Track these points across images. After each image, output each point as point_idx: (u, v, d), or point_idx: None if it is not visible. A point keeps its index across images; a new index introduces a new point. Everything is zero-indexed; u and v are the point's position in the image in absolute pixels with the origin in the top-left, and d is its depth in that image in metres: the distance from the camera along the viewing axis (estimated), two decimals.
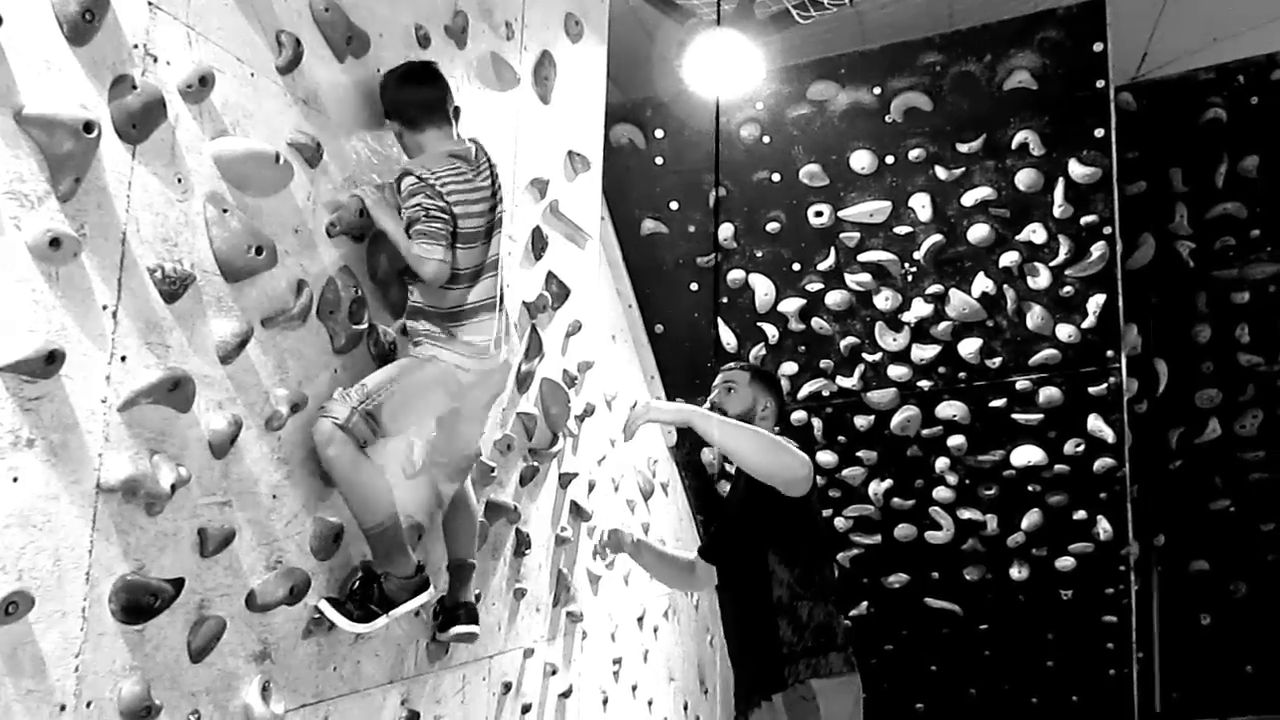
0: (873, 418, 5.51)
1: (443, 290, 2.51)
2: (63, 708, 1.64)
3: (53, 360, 1.63)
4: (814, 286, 5.31)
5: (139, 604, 1.78)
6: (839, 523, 5.73)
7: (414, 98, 2.58)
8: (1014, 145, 4.93)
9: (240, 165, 2.09)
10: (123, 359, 1.80)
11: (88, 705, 1.69)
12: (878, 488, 5.66)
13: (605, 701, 4.14)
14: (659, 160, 5.23)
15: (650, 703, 4.74)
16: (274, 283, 2.19)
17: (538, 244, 3.43)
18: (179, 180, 1.96)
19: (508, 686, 3.19)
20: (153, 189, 1.89)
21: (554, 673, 3.55)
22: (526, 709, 3.32)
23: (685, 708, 5.29)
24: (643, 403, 2.65)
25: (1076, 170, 4.90)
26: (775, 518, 2.62)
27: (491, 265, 2.61)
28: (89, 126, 1.71)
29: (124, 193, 1.83)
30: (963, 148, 4.97)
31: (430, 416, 2.64)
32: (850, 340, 5.38)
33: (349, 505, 2.34)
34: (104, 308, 1.77)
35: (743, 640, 2.71)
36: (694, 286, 5.42)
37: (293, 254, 2.26)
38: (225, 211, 2.05)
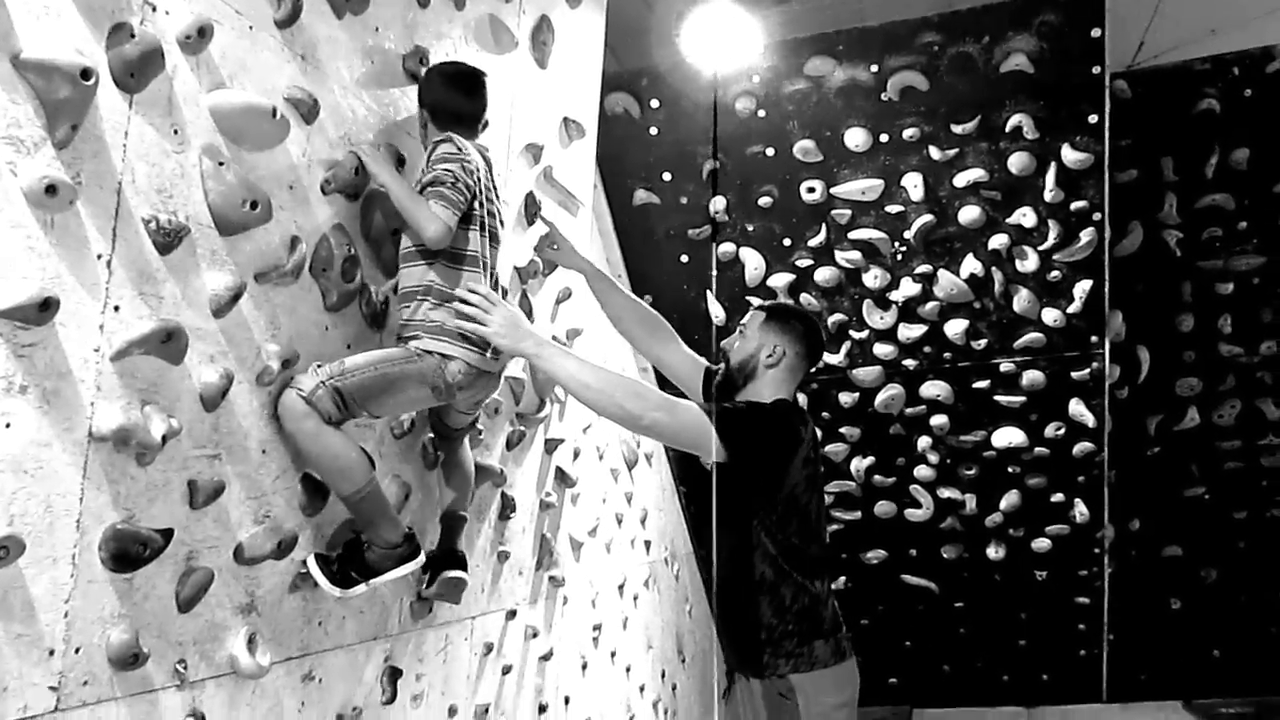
0: (857, 395, 5.55)
1: (453, 270, 2.47)
2: (51, 652, 1.65)
3: (47, 307, 1.63)
4: (804, 262, 5.33)
5: (128, 553, 1.79)
6: None
7: (457, 104, 2.61)
8: (1008, 128, 4.94)
9: (237, 118, 2.08)
10: (116, 309, 1.80)
11: (76, 650, 1.70)
12: (859, 464, 5.72)
13: (584, 666, 4.19)
14: (653, 131, 5.21)
15: (628, 669, 4.79)
16: (268, 238, 2.19)
17: (530, 209, 3.43)
18: (175, 131, 1.95)
19: (489, 647, 3.23)
20: (149, 139, 1.89)
21: (535, 635, 3.59)
22: (507, 670, 3.36)
23: (663, 675, 5.35)
24: (495, 313, 2.37)
25: (1069, 155, 4.92)
26: (759, 484, 2.43)
27: (489, 267, 2.58)
28: (86, 73, 1.70)
29: (120, 142, 1.82)
30: (957, 129, 4.98)
31: (405, 410, 2.59)
32: (838, 317, 5.40)
33: (322, 477, 2.31)
34: (98, 257, 1.77)
35: (726, 614, 2.57)
36: (684, 258, 5.43)
37: (287, 210, 2.26)
38: (221, 164, 2.05)
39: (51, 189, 1.65)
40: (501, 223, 2.70)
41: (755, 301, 5.40)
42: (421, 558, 2.47)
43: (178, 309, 1.93)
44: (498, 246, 2.66)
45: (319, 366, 2.26)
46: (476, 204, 2.52)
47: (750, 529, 2.43)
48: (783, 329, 2.63)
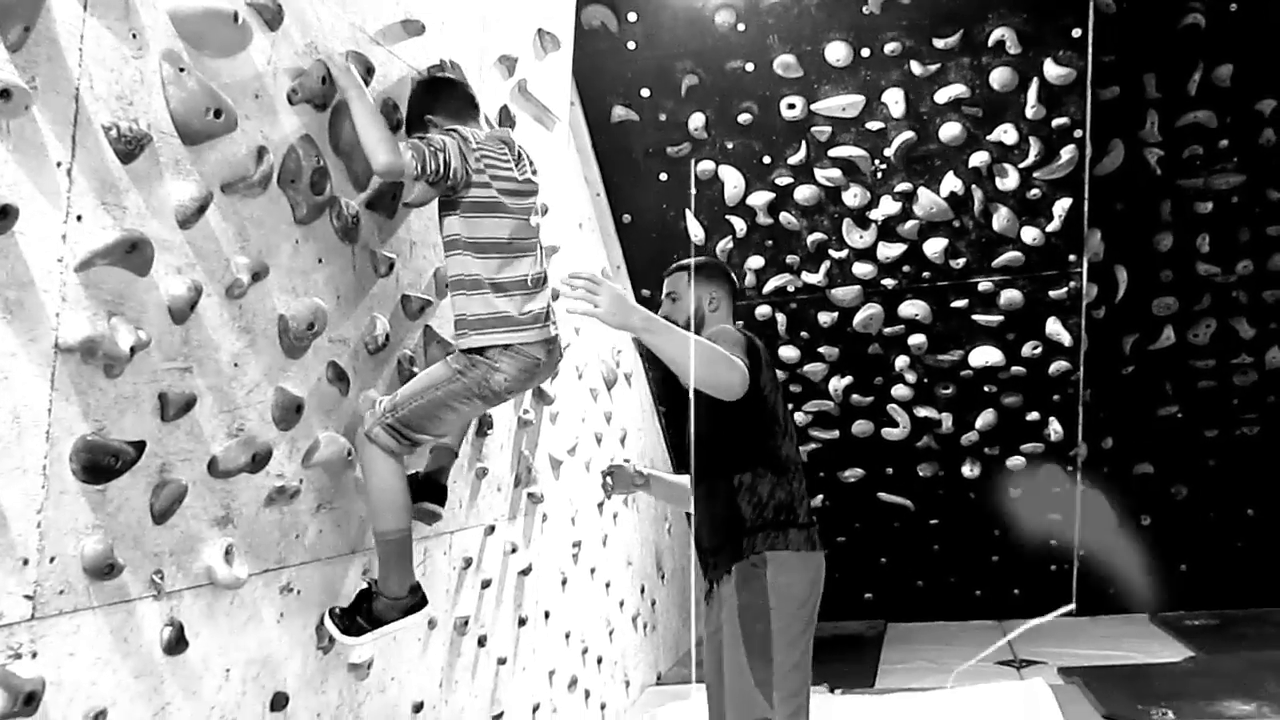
0: (836, 314, 5.57)
1: (483, 260, 2.51)
2: (25, 562, 1.65)
3: (5, 215, 1.59)
4: (783, 180, 5.29)
5: (100, 464, 1.78)
6: (798, 417, 5.83)
7: (453, 100, 2.67)
8: (991, 42, 4.88)
9: (197, 23, 2.02)
10: (79, 218, 1.76)
11: (51, 560, 1.70)
12: (838, 384, 5.75)
13: (564, 582, 4.24)
14: (631, 45, 5.11)
15: (608, 585, 4.87)
16: (233, 148, 2.14)
17: (504, 123, 3.38)
18: (134, 36, 1.89)
19: (468, 561, 3.26)
20: (106, 44, 1.83)
21: (514, 551, 3.62)
22: (486, 584, 3.39)
23: (642, 591, 5.43)
24: (603, 293, 2.39)
25: (1051, 71, 4.88)
26: (745, 396, 2.55)
27: (529, 246, 2.61)
28: None
29: (76, 46, 1.77)
30: (939, 43, 4.91)
31: (465, 422, 2.67)
32: (817, 236, 5.39)
33: (368, 507, 2.50)
34: (58, 165, 1.72)
35: (707, 517, 2.72)
36: (663, 176, 5.37)
37: (253, 119, 2.21)
38: (182, 71, 1.99)
39: (5, 93, 1.59)
40: (533, 195, 2.70)
41: (735, 221, 5.39)
42: (428, 608, 2.59)
43: (142, 219, 1.90)
44: (526, 216, 2.64)
45: (376, 404, 2.46)
46: (493, 187, 2.51)
47: (732, 438, 2.64)
48: (709, 279, 2.84)
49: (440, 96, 2.68)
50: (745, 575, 2.58)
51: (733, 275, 3.02)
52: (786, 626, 2.55)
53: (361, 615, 2.46)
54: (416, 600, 2.53)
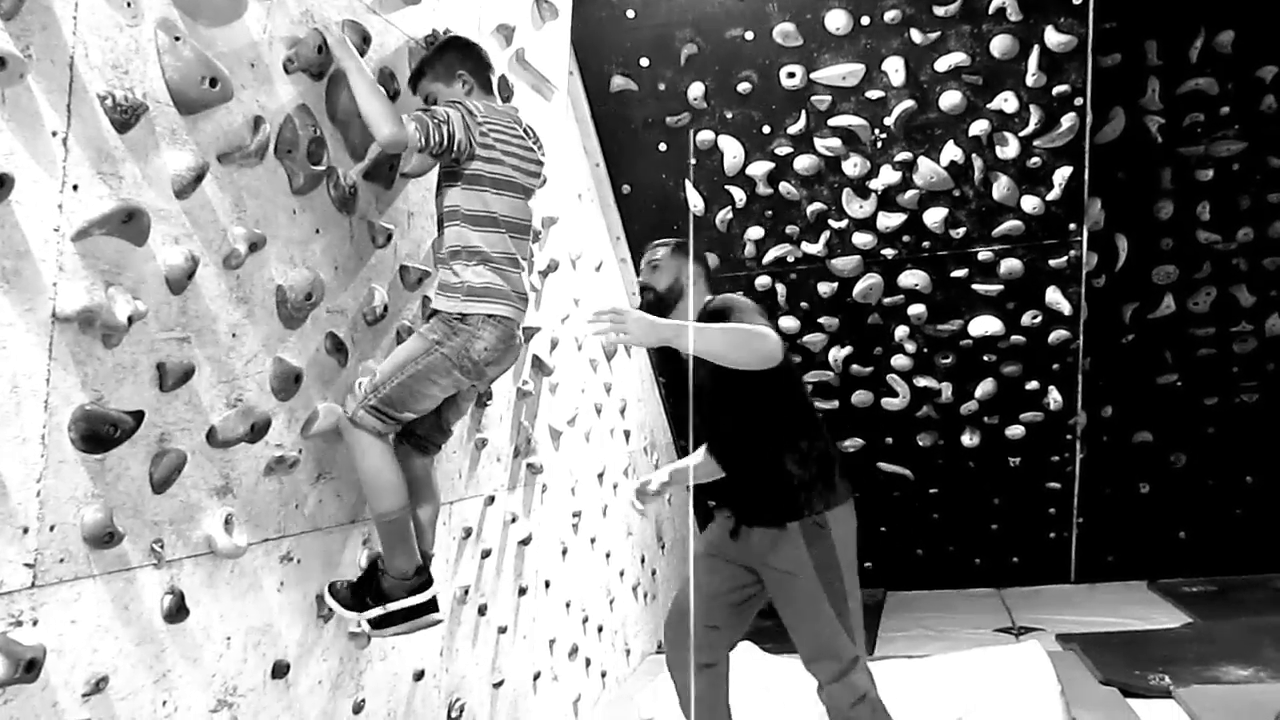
0: (836, 285, 5.56)
1: (481, 233, 2.52)
2: (25, 530, 1.67)
3: (1, 184, 1.59)
4: (783, 150, 5.27)
5: (98, 434, 1.79)
6: None
7: (471, 64, 2.67)
8: (991, 10, 4.84)
9: None
10: (75, 188, 1.76)
11: (51, 529, 1.71)
12: (837, 354, 5.76)
13: (564, 551, 4.26)
14: (630, 13, 5.07)
15: (608, 555, 4.89)
16: (229, 117, 2.14)
17: (502, 93, 3.35)
18: (128, 4, 1.88)
19: (468, 531, 3.28)
20: (101, 12, 1.82)
21: (514, 521, 3.64)
22: (486, 554, 3.41)
23: (642, 560, 5.46)
24: (628, 320, 2.53)
25: (1052, 38, 4.84)
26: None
27: (524, 227, 2.65)
28: None
29: (70, 14, 1.76)
30: (939, 10, 4.88)
31: (445, 396, 2.62)
32: (817, 206, 5.37)
33: (364, 491, 2.49)
34: (54, 134, 1.72)
35: (748, 475, 2.88)
36: (662, 147, 5.35)
37: (249, 89, 2.20)
38: (177, 40, 1.98)
39: (0, 61, 1.59)
40: (538, 175, 2.73)
41: (734, 191, 5.37)
42: (435, 588, 2.56)
43: (138, 189, 1.90)
44: (527, 196, 2.67)
45: (358, 385, 2.44)
46: (493, 166, 2.53)
47: (765, 401, 2.77)
48: (688, 258, 3.00)
49: (467, 63, 2.67)
50: (811, 536, 2.75)
51: (706, 259, 3.17)
52: (852, 573, 2.82)
53: (370, 593, 2.47)
54: (423, 580, 2.51)
